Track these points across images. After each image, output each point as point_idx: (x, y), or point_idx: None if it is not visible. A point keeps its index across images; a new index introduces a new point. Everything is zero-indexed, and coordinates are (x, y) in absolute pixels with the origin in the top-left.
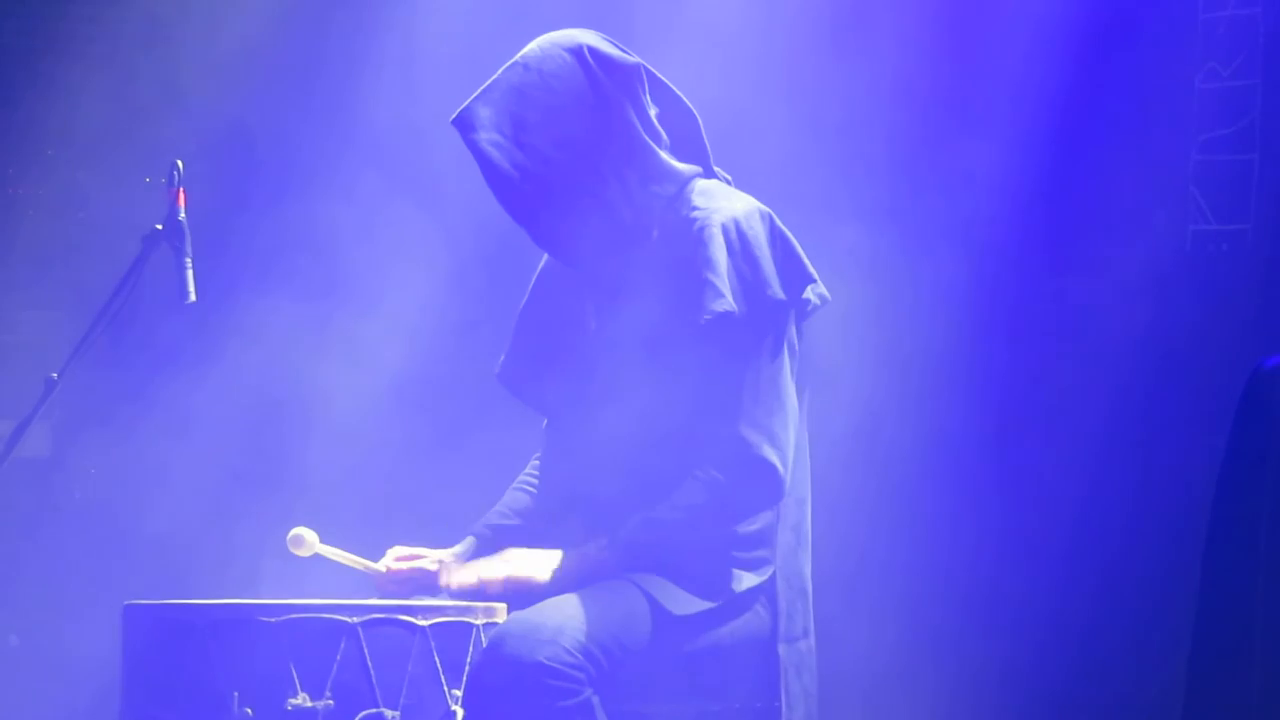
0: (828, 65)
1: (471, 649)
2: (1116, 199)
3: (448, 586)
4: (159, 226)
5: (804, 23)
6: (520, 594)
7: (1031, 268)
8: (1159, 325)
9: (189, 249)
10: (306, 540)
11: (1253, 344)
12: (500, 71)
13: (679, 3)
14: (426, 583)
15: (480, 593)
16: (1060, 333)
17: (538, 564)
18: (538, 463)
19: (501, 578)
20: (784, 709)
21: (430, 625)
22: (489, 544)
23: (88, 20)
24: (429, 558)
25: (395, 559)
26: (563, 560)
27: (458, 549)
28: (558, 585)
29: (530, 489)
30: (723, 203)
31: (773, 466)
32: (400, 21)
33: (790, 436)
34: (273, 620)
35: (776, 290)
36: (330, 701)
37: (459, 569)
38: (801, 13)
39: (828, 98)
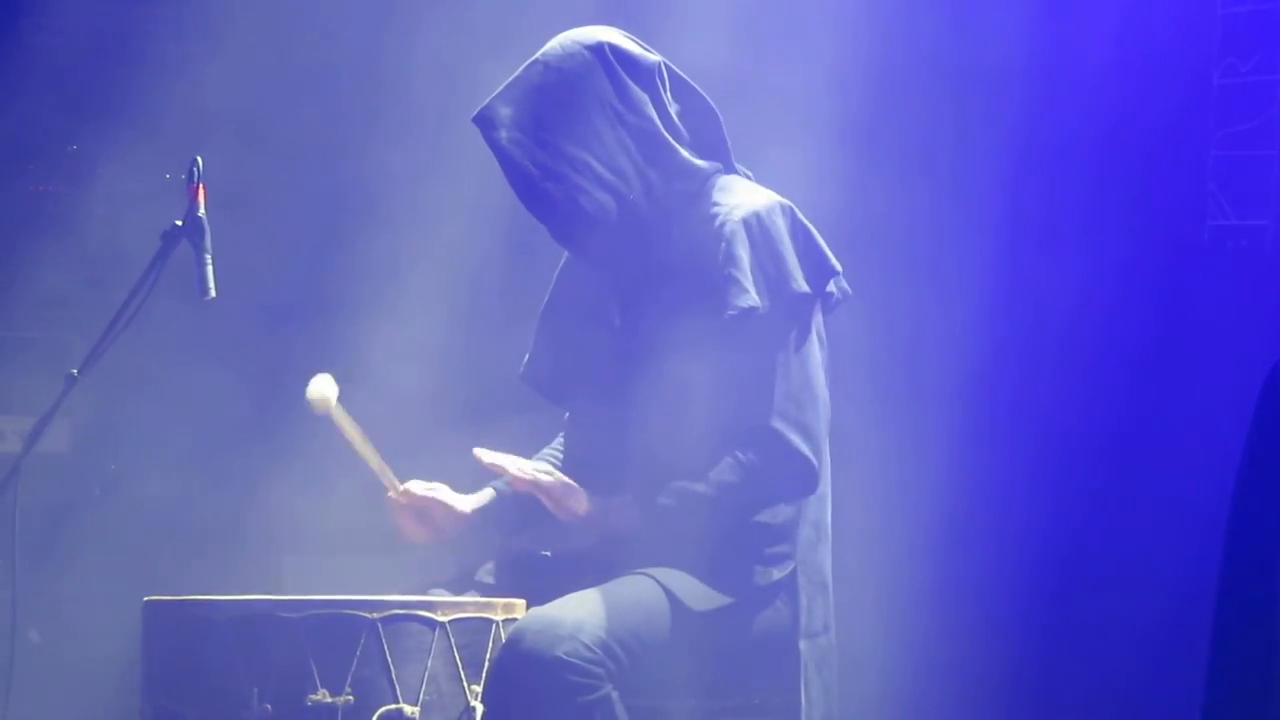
0: (844, 59)
1: (491, 645)
2: (1136, 194)
3: (485, 458)
4: (179, 223)
5: (823, 18)
6: (538, 509)
7: (1049, 264)
8: (1178, 321)
9: (208, 245)
10: (327, 396)
11: (1272, 339)
12: (521, 69)
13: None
14: (437, 519)
15: (514, 469)
16: (1079, 328)
17: (569, 489)
18: (561, 440)
19: (537, 481)
20: (804, 705)
21: (450, 621)
22: (507, 499)
23: (109, 18)
24: (447, 490)
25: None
26: (590, 500)
27: (475, 495)
28: (583, 520)
29: (553, 459)
30: (744, 198)
31: (806, 458)
32: (422, 18)
33: (823, 428)
34: (292, 616)
35: (800, 283)
36: (350, 697)
37: (506, 455)
38: (822, 8)
39: (845, 92)
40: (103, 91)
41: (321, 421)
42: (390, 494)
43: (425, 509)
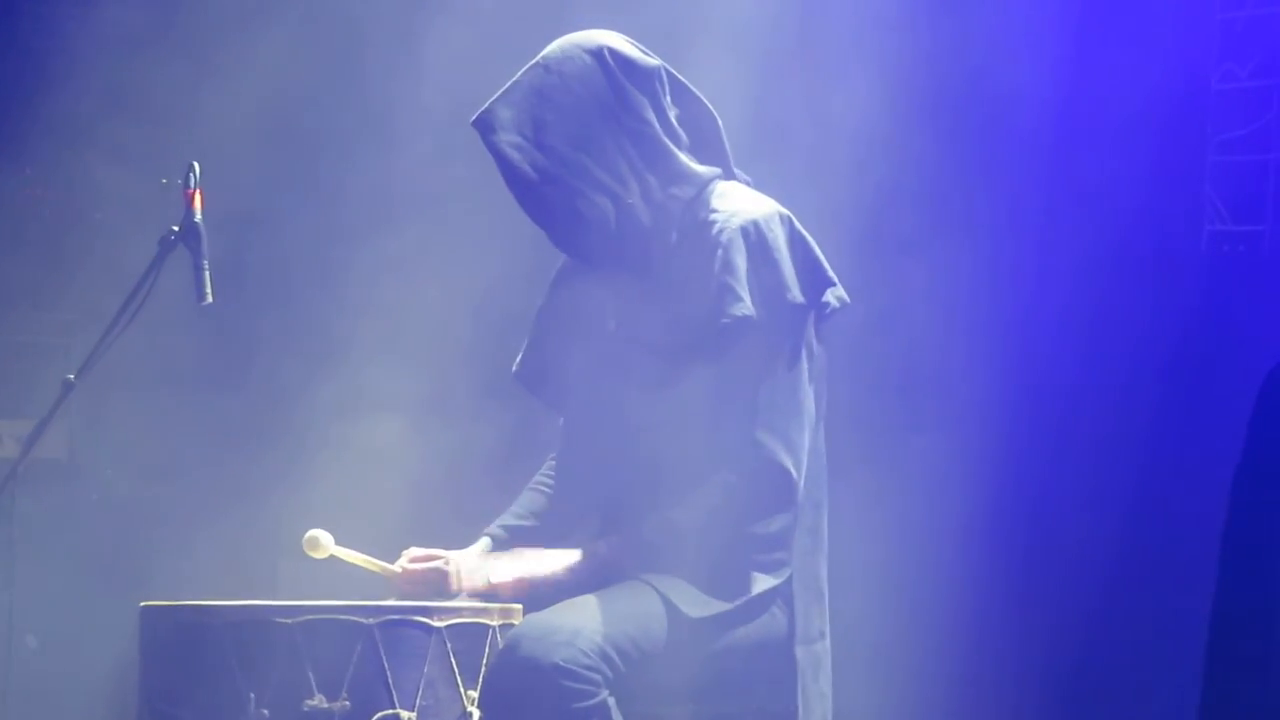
0: (844, 64)
1: (488, 650)
2: (1133, 200)
3: (459, 591)
4: (175, 228)
5: (822, 25)
6: (532, 594)
7: (1046, 269)
8: (1175, 325)
9: (205, 251)
10: (322, 542)
11: (1270, 344)
12: (521, 73)
13: (701, 4)
14: (442, 584)
15: (492, 596)
16: (1075, 334)
17: (549, 563)
18: (553, 463)
19: (512, 579)
20: (801, 711)
21: (446, 626)
22: (504, 545)
23: (106, 22)
24: (444, 558)
25: (410, 560)
26: (576, 560)
27: (472, 550)
28: (570, 585)
29: (546, 489)
30: (742, 205)
31: (787, 471)
32: (422, 22)
33: (806, 441)
34: (289, 621)
35: (796, 294)
36: (346, 703)
37: (469, 574)
38: (822, 16)
39: (844, 97)
40: (100, 96)
41: (319, 432)
42: (391, 578)
43: (425, 578)
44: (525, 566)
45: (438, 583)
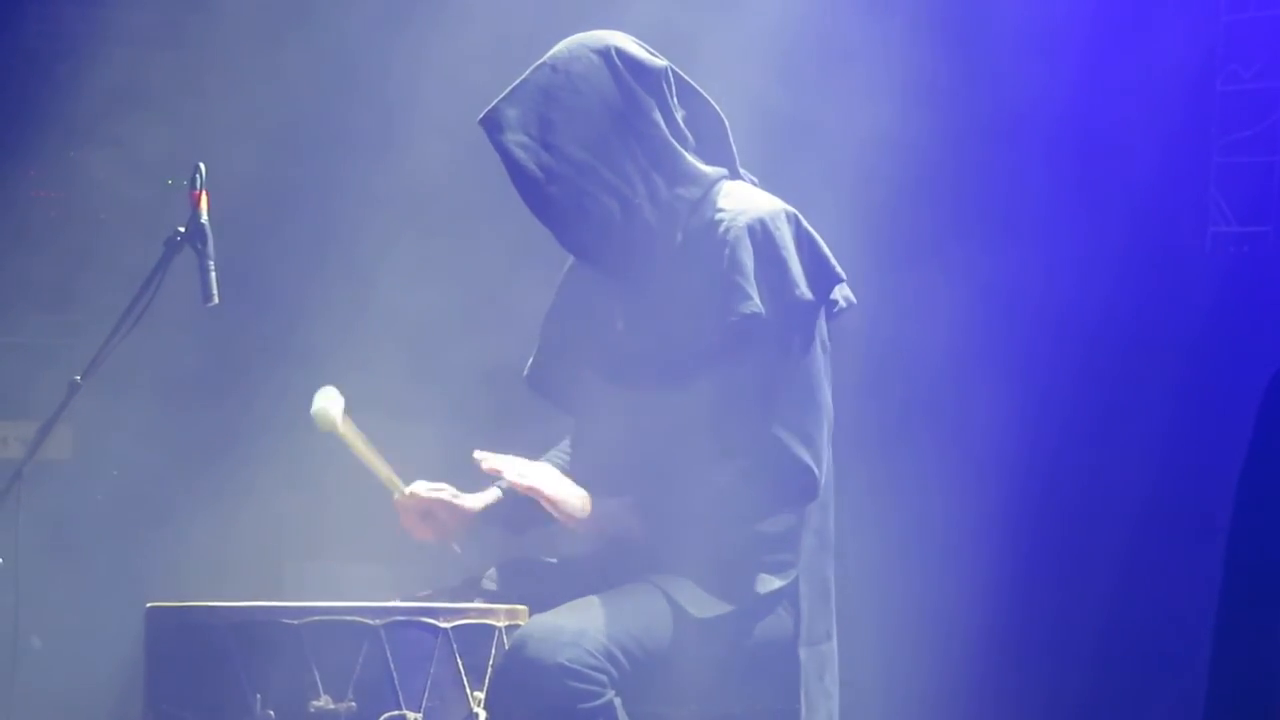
0: (851, 66)
1: (494, 651)
2: (1137, 201)
3: (485, 462)
4: (181, 229)
5: (837, 30)
6: (538, 512)
7: (1052, 270)
8: (1179, 327)
9: (211, 251)
10: (331, 414)
11: (1274, 345)
12: (528, 72)
13: (707, 5)
14: (443, 519)
15: (514, 473)
16: (1080, 335)
17: (570, 491)
18: (569, 442)
19: (537, 484)
20: (805, 712)
21: (452, 627)
22: (512, 499)
23: (110, 23)
24: (450, 490)
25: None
26: (592, 503)
27: (482, 496)
28: (584, 524)
29: (561, 461)
30: (748, 204)
31: (807, 466)
32: (428, 21)
33: (825, 436)
34: (295, 623)
35: (804, 291)
36: (353, 704)
37: (506, 457)
38: (828, 16)
39: (849, 97)
40: (106, 96)
41: (323, 436)
42: (396, 497)
43: (431, 510)
44: (550, 481)
45: (443, 516)
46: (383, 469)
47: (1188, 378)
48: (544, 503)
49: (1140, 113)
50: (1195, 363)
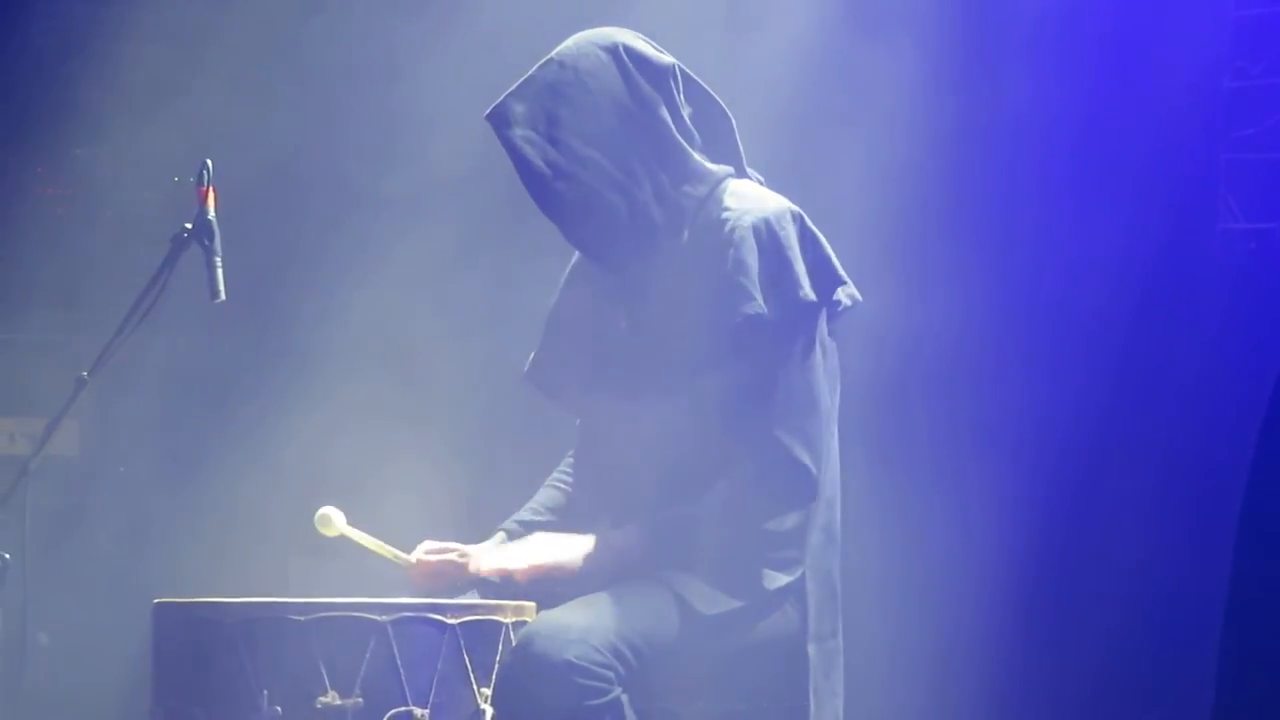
0: (859, 65)
1: (501, 647)
2: (1145, 198)
3: (477, 572)
4: (188, 226)
5: (837, 21)
6: (547, 582)
7: (1060, 267)
8: (1188, 323)
9: (218, 248)
10: (334, 520)
11: None
12: (535, 68)
13: (715, 2)
14: (455, 577)
15: (508, 582)
16: (1087, 332)
17: (565, 550)
18: (571, 461)
19: (527, 566)
20: (812, 708)
21: (459, 624)
22: (520, 540)
23: (116, 21)
24: (459, 550)
25: (425, 552)
26: (591, 548)
27: (488, 544)
28: (585, 573)
29: (564, 486)
30: (754, 204)
31: (806, 468)
32: (433, 16)
33: (823, 436)
34: (302, 619)
35: (807, 291)
36: (359, 700)
37: (486, 558)
38: (836, 13)
39: (859, 96)
40: (113, 93)
41: (329, 432)
42: (405, 569)
43: (439, 570)
44: (541, 554)
45: (452, 576)
46: (387, 551)
47: (1198, 374)
48: (538, 575)
49: (1148, 109)
50: (1205, 359)
